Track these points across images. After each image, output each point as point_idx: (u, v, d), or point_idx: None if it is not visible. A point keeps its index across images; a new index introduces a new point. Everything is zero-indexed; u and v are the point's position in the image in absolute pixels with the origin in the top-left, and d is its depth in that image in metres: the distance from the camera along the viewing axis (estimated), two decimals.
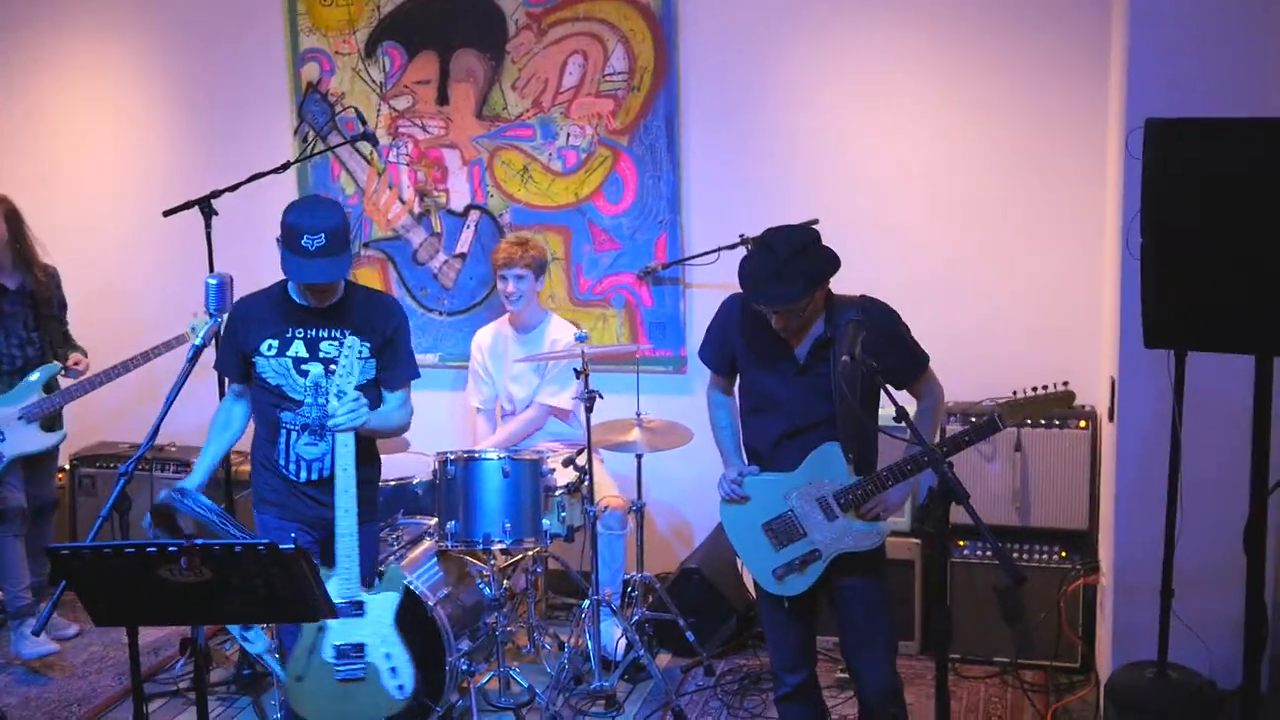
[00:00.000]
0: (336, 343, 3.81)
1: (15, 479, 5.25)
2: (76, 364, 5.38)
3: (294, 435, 3.86)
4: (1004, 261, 5.20)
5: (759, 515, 3.57)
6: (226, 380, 4.04)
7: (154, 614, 3.01)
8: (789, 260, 3.38)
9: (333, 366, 3.76)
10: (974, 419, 4.19)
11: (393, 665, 3.68)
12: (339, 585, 3.67)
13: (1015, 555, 4.80)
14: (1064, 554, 4.82)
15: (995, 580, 4.84)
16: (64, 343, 5.43)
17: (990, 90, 5.12)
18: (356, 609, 3.70)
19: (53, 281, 5.37)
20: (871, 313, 3.54)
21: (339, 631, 3.68)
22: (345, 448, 3.68)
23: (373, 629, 3.70)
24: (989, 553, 4.82)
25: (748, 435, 3.70)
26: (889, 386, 3.35)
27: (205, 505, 3.79)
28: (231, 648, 5.13)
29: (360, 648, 3.68)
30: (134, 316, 6.13)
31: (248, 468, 4.25)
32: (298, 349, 3.83)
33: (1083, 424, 4.81)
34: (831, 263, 3.44)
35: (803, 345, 3.52)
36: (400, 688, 3.68)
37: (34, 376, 5.24)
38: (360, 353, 3.75)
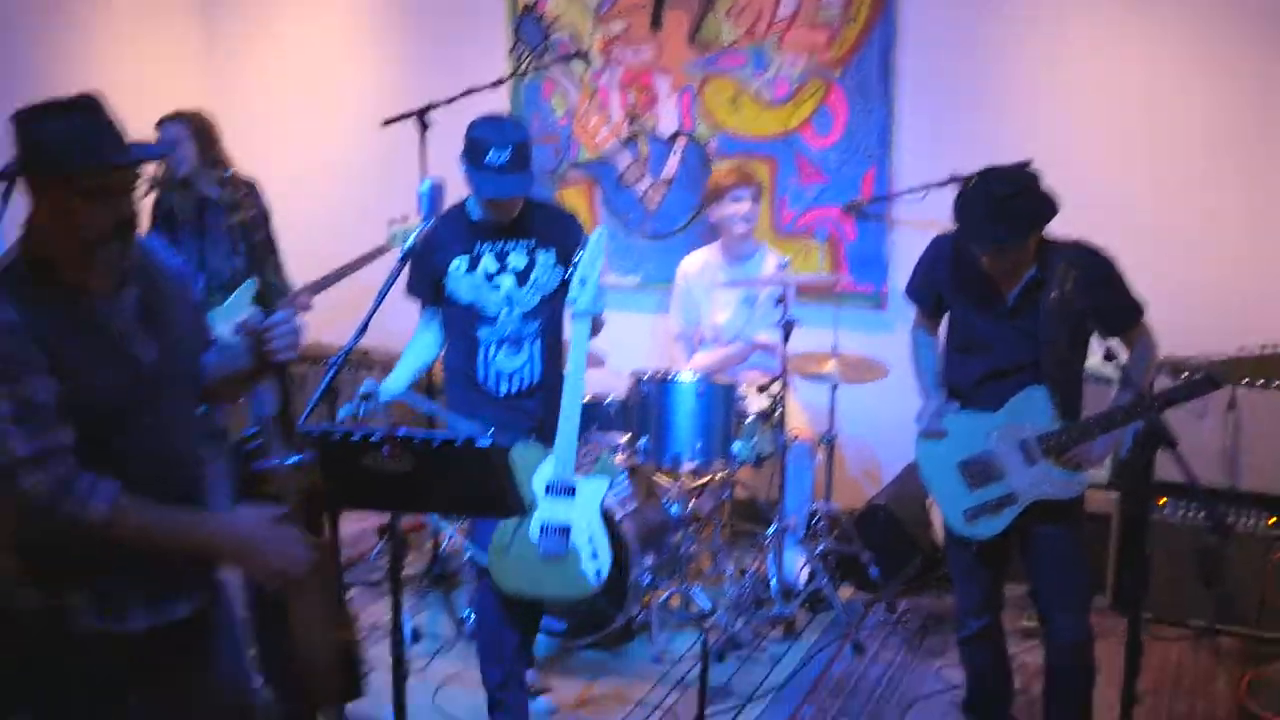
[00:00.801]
0: (525, 253, 3.88)
1: None
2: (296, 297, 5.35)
3: (492, 349, 3.91)
4: (1232, 214, 4.97)
5: (956, 453, 3.52)
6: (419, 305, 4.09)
7: (356, 499, 3.14)
8: (1007, 200, 3.29)
9: (529, 275, 3.85)
10: (1189, 375, 4.04)
11: (594, 550, 3.73)
12: (555, 467, 3.75)
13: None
14: (1273, 520, 4.62)
15: (1197, 541, 4.67)
16: (272, 256, 5.29)
17: (1224, 40, 4.90)
18: (569, 492, 3.76)
19: (251, 194, 5.25)
20: (1086, 258, 3.43)
21: (550, 510, 3.75)
22: (581, 334, 3.74)
23: (581, 512, 3.75)
24: (1191, 512, 4.66)
25: (950, 374, 3.64)
26: (1100, 330, 3.25)
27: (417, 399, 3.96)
28: (429, 543, 5.31)
29: (566, 529, 3.74)
30: (344, 226, 6.31)
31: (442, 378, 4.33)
32: (488, 264, 3.88)
33: None
34: (1050, 205, 3.35)
35: (1013, 288, 3.44)
36: (598, 573, 3.73)
37: (242, 291, 5.30)
38: (551, 261, 3.83)
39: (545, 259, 3.87)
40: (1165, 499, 4.73)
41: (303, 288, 5.40)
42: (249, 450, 2.81)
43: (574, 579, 3.72)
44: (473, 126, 3.80)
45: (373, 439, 2.89)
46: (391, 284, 3.28)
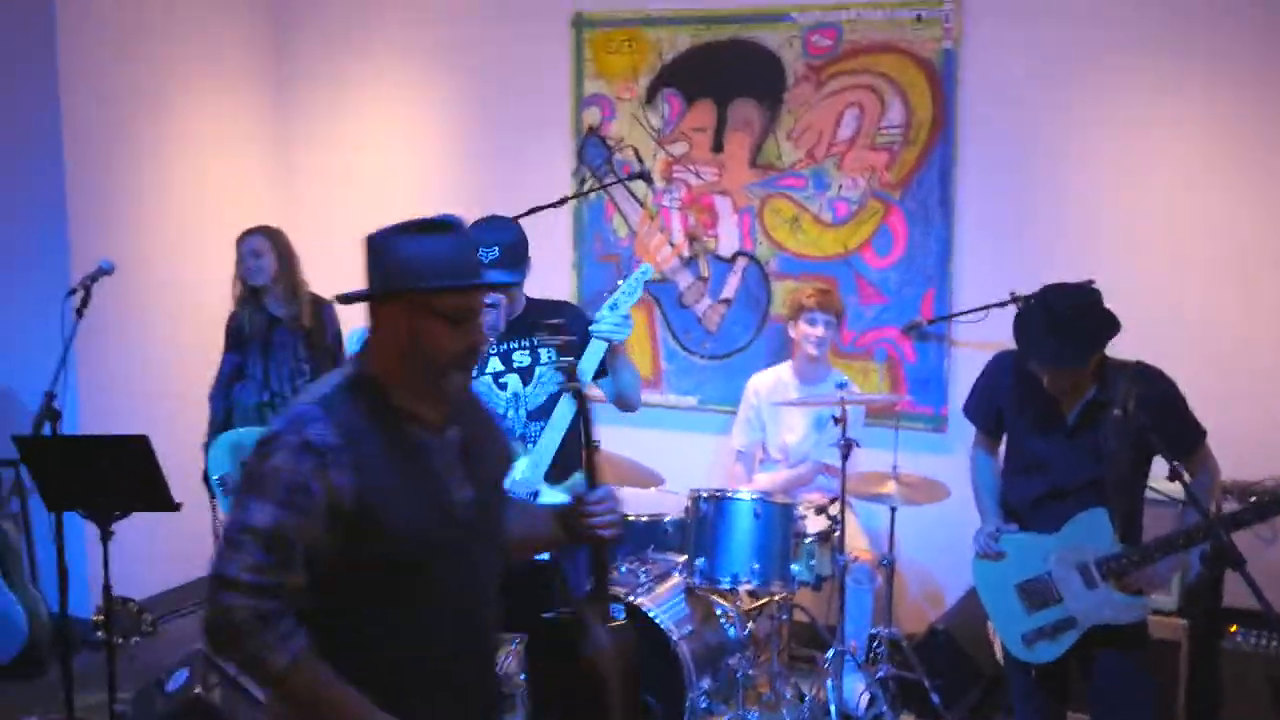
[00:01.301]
0: (528, 351, 3.95)
1: None
2: None
3: None
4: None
5: (1014, 574, 3.47)
6: None
7: None
8: (1070, 320, 3.30)
9: (534, 372, 3.92)
10: (1255, 498, 3.96)
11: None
12: (526, 467, 3.82)
13: None
14: None
15: (1270, 669, 4.53)
16: None
17: (1275, 154, 4.91)
18: (532, 497, 3.82)
19: (320, 314, 5.42)
20: (1147, 379, 3.41)
21: None
22: (594, 352, 3.83)
23: None
24: (1264, 639, 4.53)
25: (1009, 493, 3.61)
26: (1161, 452, 3.21)
27: None
28: None
29: None
30: None
31: None
32: (493, 365, 3.96)
33: None
34: (1111, 325, 3.34)
35: (1074, 407, 3.42)
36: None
37: None
38: (552, 357, 3.89)
39: (548, 355, 3.93)
40: (1236, 626, 4.60)
41: None
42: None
43: None
44: (472, 226, 3.88)
45: None
46: None
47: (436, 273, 2.24)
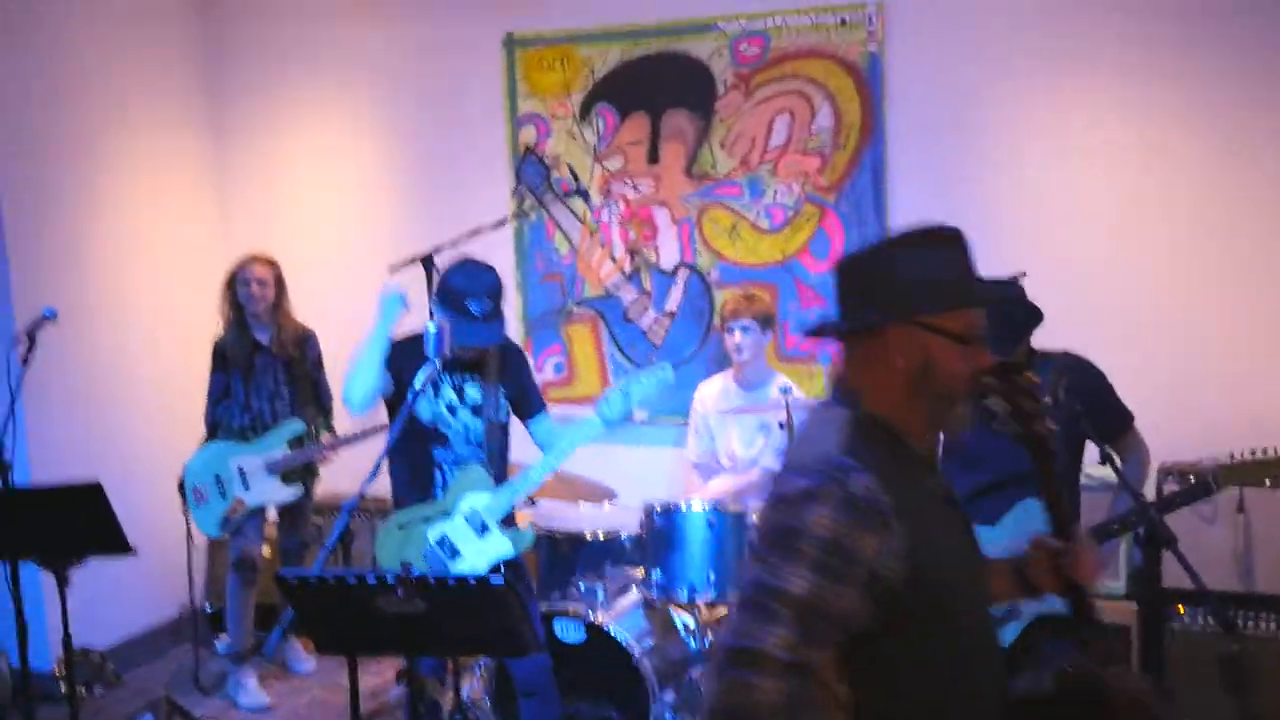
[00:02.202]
0: (479, 389, 4.14)
1: (254, 529, 5.56)
2: (323, 441, 5.62)
3: (447, 469, 4.17)
4: (1228, 311, 5.03)
5: None
6: None
7: (372, 643, 3.18)
8: (993, 312, 3.36)
9: (483, 410, 4.12)
10: (1192, 478, 4.05)
11: None
12: (489, 501, 4.02)
13: (1239, 623, 4.59)
14: None
15: (1218, 648, 4.62)
16: (315, 403, 5.68)
17: (1197, 138, 5.05)
18: (482, 529, 4.02)
19: (301, 341, 5.64)
20: (1075, 367, 3.49)
21: (456, 532, 4.01)
22: (591, 428, 4.11)
23: (477, 552, 4.00)
24: (1212, 619, 4.62)
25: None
26: (1092, 437, 3.29)
27: None
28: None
29: (456, 554, 4.00)
30: None
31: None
32: (446, 394, 4.13)
33: None
34: (1034, 316, 3.41)
35: None
36: None
37: (279, 431, 5.54)
38: (503, 394, 4.16)
39: (498, 395, 4.15)
40: (1183, 606, 4.70)
41: (329, 441, 5.63)
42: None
43: None
44: (452, 274, 4.02)
45: (388, 580, 2.95)
46: (400, 428, 3.37)
47: (954, 289, 2.07)
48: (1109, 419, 3.49)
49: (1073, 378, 3.42)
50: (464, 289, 3.91)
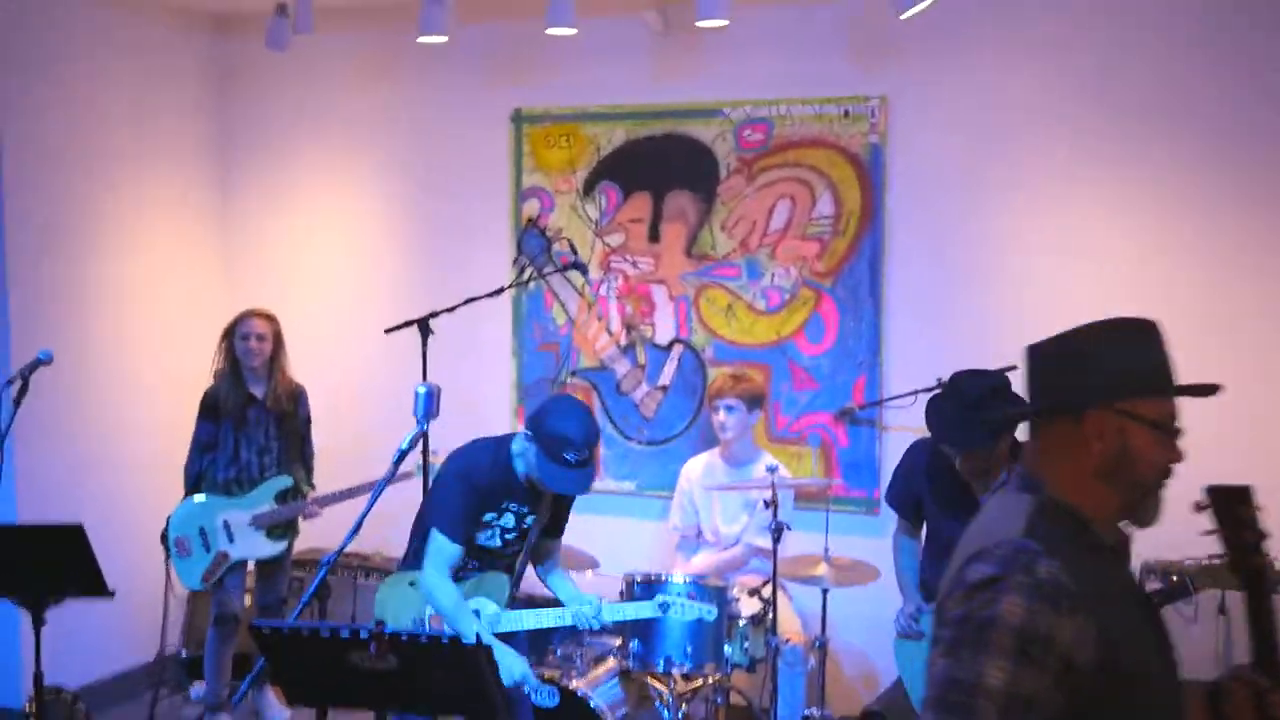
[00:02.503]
0: (519, 515, 4.26)
1: (236, 583, 5.55)
2: (309, 497, 5.60)
3: (472, 565, 4.31)
4: (1227, 408, 5.02)
5: None
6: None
7: (343, 697, 3.17)
8: (979, 402, 3.40)
9: (518, 530, 4.29)
10: (1175, 577, 4.06)
11: None
12: (494, 613, 4.18)
13: None
14: None
15: None
16: (300, 459, 5.71)
17: (1199, 232, 5.14)
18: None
19: (294, 398, 5.68)
20: None
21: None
22: (582, 613, 4.38)
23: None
24: None
25: (928, 574, 3.70)
26: None
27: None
28: None
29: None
30: (360, 429, 6.42)
31: None
32: (505, 520, 4.26)
33: None
34: (1021, 408, 3.45)
35: (985, 491, 3.51)
36: None
37: (267, 486, 5.56)
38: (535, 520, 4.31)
39: (532, 520, 4.28)
40: None
41: (315, 498, 5.60)
42: None
43: None
44: (553, 417, 4.04)
45: (361, 635, 2.95)
46: (384, 488, 3.38)
47: (1154, 377, 2.08)
48: None
49: None
50: (567, 438, 3.98)
